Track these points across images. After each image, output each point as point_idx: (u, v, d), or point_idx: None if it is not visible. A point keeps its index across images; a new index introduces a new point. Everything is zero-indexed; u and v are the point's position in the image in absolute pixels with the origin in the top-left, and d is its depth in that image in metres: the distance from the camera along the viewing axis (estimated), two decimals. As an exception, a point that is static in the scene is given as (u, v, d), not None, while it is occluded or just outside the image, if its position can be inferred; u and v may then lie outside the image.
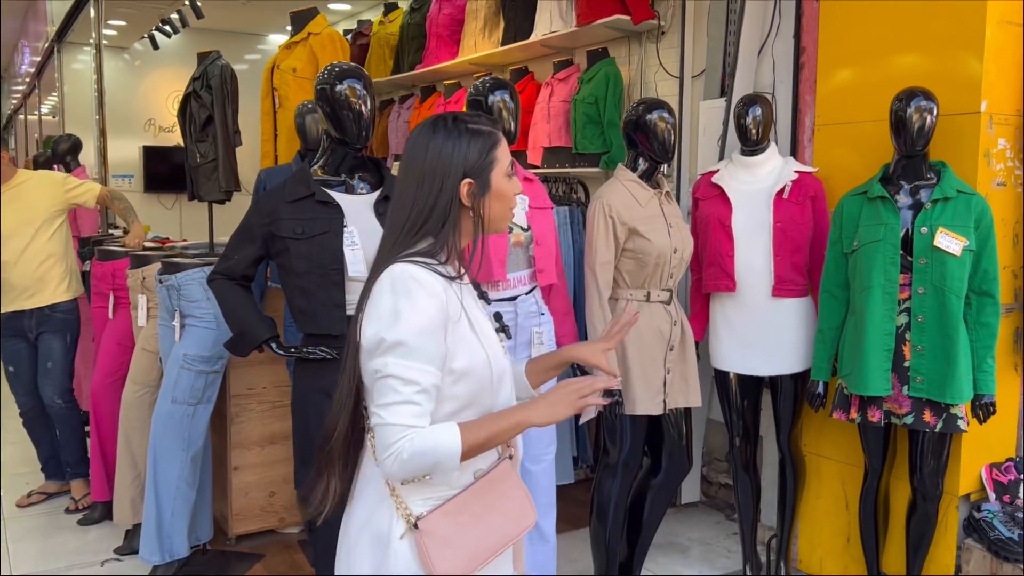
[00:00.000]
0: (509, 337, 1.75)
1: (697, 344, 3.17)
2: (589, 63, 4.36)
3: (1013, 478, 2.73)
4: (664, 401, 2.75)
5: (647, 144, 2.72)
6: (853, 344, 2.66)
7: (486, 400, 1.41)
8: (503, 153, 1.45)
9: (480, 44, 5.14)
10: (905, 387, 2.59)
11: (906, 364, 2.58)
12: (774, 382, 3.05)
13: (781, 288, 2.93)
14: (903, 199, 2.62)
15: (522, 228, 2.56)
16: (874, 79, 2.95)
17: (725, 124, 3.55)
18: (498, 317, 1.86)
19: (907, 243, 2.57)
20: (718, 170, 3.11)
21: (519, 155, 4.80)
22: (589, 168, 4.30)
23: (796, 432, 3.13)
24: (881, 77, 2.92)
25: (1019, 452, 2.90)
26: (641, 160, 2.76)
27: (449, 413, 1.37)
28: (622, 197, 2.70)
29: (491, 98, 2.51)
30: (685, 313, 2.94)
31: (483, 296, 1.55)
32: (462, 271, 1.43)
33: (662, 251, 2.67)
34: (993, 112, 2.67)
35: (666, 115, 2.70)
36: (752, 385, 3.08)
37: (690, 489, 3.92)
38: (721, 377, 3.11)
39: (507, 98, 2.51)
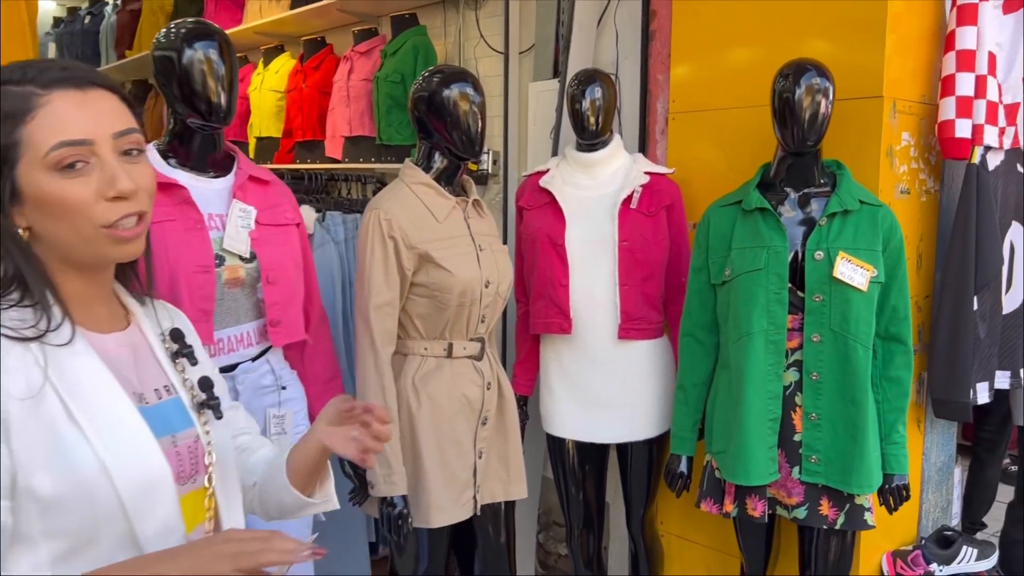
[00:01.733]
0: (219, 415, 1.06)
1: (525, 399, 2.39)
2: (394, 33, 3.50)
3: (922, 572, 2.12)
4: (475, 498, 1.94)
5: (445, 132, 1.89)
6: (727, 410, 1.95)
7: (115, 530, 0.89)
8: (49, 130, 0.87)
9: (267, 8, 4.16)
10: (796, 468, 1.90)
11: (796, 438, 1.89)
12: (623, 451, 2.32)
13: (629, 328, 2.20)
14: (790, 212, 1.93)
15: (243, 258, 1.66)
16: (747, 53, 2.26)
17: (559, 111, 2.78)
18: (205, 384, 1.04)
19: (796, 272, 1.88)
20: (548, 170, 2.34)
21: (317, 146, 3.89)
22: (397, 164, 3.43)
23: (652, 513, 2.41)
24: (756, 50, 2.23)
25: (922, 533, 2.30)
26: (437, 155, 1.93)
27: (53, 559, 0.86)
28: (410, 208, 1.86)
29: (187, 54, 1.59)
30: (504, 365, 2.14)
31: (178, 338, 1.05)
32: (63, 318, 0.91)
33: (468, 285, 1.86)
34: (896, 97, 2.04)
35: (470, 91, 1.88)
36: (596, 455, 2.33)
37: (523, 564, 3.15)
38: (556, 445, 2.34)
39: (213, 55, 1.60)
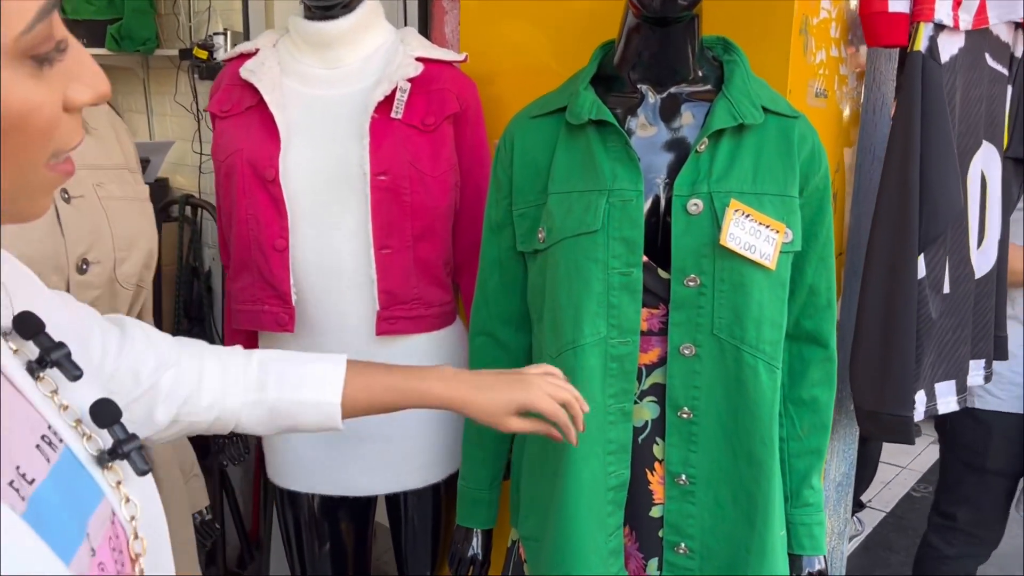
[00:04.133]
0: (143, 466, 0.60)
1: (235, 443, 1.52)
2: None
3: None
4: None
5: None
6: (540, 470, 1.15)
7: None
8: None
9: None
10: (654, 561, 1.13)
11: (655, 513, 1.12)
12: (394, 503, 1.49)
13: (395, 316, 1.35)
14: (647, 128, 1.10)
15: None
16: None
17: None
18: (104, 412, 0.59)
19: (657, 236, 1.07)
20: (256, 51, 1.40)
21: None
22: (95, 49, 2.36)
23: (442, 584, 1.62)
24: None
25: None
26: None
27: None
28: None
29: None
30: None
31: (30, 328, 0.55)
32: None
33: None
34: (818, -66, 1.23)
35: None
36: (353, 512, 1.49)
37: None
38: (287, 501, 1.48)
39: None
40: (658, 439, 1.11)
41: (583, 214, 1.06)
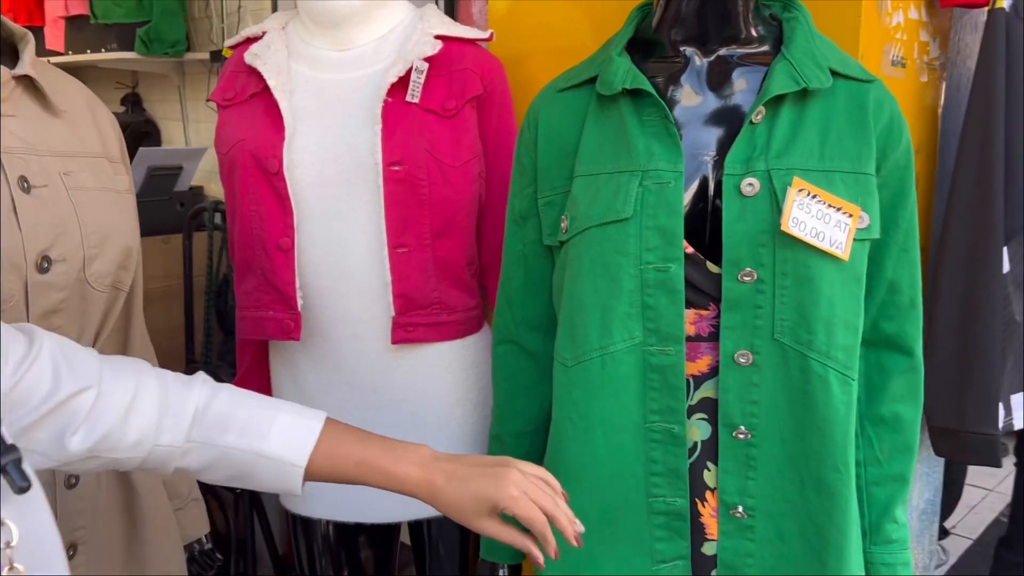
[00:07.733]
0: (21, 484, 0.58)
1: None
2: None
3: None
4: None
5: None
6: (573, 493, 0.99)
7: None
8: None
9: None
10: (706, 609, 0.96)
11: (708, 550, 0.95)
12: (417, 531, 1.35)
13: (413, 324, 1.21)
14: (692, 97, 0.94)
15: None
16: None
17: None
18: None
19: (703, 224, 0.91)
20: (263, 35, 1.29)
21: (38, 35, 2.70)
22: (122, 53, 2.30)
23: (473, 620, 1.47)
24: None
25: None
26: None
27: None
28: None
29: None
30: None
31: None
32: None
33: None
34: None
35: None
36: (376, 543, 1.36)
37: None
38: (301, 529, 1.35)
39: None
40: (709, 464, 0.94)
41: (612, 199, 0.90)
